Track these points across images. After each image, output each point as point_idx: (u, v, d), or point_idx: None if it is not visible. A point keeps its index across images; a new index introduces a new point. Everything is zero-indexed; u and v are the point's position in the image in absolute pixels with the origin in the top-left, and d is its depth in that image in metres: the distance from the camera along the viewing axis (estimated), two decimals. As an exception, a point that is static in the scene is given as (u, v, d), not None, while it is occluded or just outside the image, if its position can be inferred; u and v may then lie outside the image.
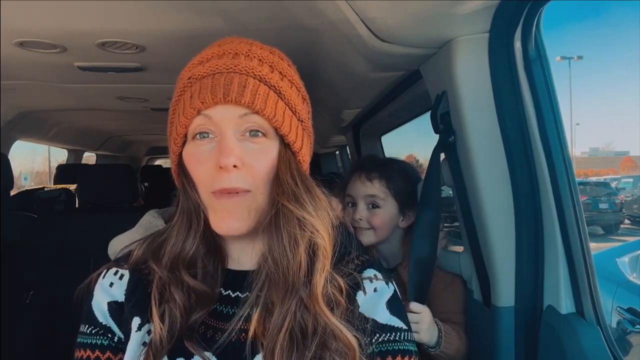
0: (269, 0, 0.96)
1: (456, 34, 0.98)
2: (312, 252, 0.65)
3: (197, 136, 0.66)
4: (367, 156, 1.38)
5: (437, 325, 1.10)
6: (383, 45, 1.04)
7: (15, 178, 2.27)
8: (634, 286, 3.12)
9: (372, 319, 0.69)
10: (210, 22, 1.07)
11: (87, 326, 0.72)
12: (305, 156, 0.71)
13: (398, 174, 1.31)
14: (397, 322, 0.70)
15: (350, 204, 1.30)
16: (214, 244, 0.72)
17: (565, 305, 0.95)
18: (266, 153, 0.66)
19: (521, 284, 1.02)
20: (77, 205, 2.66)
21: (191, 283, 0.67)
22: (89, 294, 0.74)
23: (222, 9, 1.02)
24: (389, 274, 0.76)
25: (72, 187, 3.03)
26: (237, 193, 0.64)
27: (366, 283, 0.72)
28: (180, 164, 0.70)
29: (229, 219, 0.65)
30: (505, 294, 1.03)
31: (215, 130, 0.65)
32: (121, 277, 0.74)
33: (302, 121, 0.71)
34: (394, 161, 1.38)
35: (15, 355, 1.75)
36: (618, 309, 2.82)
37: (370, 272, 0.74)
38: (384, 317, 0.70)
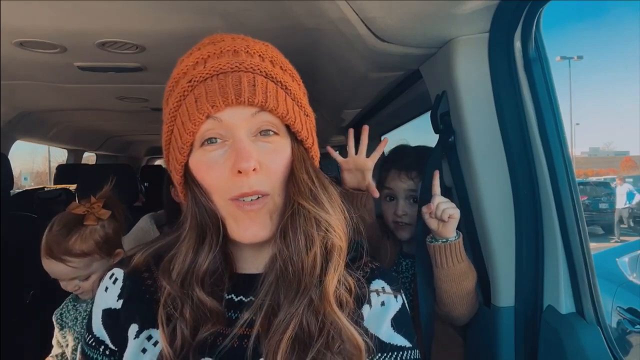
0: (269, 0, 0.96)
1: (456, 34, 0.98)
2: (326, 252, 0.63)
3: (206, 142, 0.62)
4: (400, 149, 1.37)
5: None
6: (383, 45, 1.04)
7: (15, 178, 2.27)
8: (634, 286, 3.12)
9: (375, 336, 0.66)
10: (210, 22, 1.07)
11: (87, 334, 0.72)
12: (316, 152, 0.69)
13: None
14: (400, 341, 0.67)
15: (388, 198, 1.31)
16: (224, 257, 0.69)
17: (565, 305, 0.95)
18: (281, 152, 0.64)
19: (521, 284, 1.02)
20: (77, 206, 2.65)
21: (204, 300, 0.64)
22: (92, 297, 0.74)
23: (222, 9, 1.02)
24: (398, 284, 0.73)
25: (72, 187, 3.02)
26: (258, 198, 0.62)
27: (373, 296, 0.69)
28: (186, 174, 0.65)
29: (253, 226, 0.63)
30: (505, 294, 1.03)
31: (225, 134, 0.61)
32: (115, 281, 0.72)
33: (308, 116, 0.68)
34: (425, 151, 1.35)
35: (15, 354, 1.75)
36: (618, 309, 2.82)
37: (378, 284, 0.70)
38: (388, 334, 0.67)
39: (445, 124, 1.09)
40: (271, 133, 0.63)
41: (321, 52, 1.29)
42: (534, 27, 0.90)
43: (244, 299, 0.68)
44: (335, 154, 1.24)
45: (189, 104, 0.62)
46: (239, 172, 0.59)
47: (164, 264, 0.68)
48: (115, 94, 2.00)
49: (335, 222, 0.64)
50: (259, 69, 0.62)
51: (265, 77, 0.63)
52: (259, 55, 0.65)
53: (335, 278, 0.63)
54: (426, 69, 1.19)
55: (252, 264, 0.70)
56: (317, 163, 0.70)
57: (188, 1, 0.97)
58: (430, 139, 1.22)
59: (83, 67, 1.49)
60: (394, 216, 1.27)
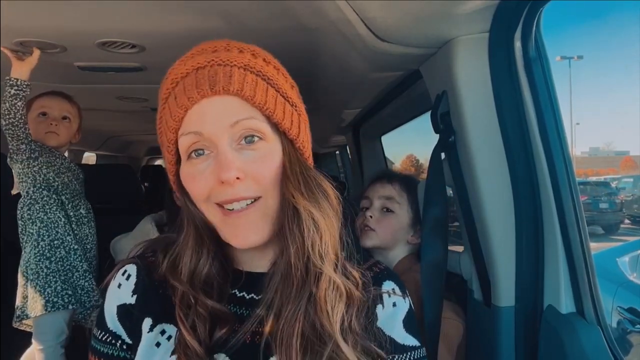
0: (270, 0, 0.96)
1: (456, 34, 0.98)
2: (321, 252, 0.63)
3: (192, 154, 0.62)
4: (384, 170, 1.37)
5: None
6: (383, 45, 1.04)
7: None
8: (634, 286, 3.12)
9: (391, 338, 0.69)
10: (210, 22, 1.07)
11: (98, 331, 0.72)
12: (304, 143, 0.67)
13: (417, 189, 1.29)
14: (412, 341, 0.71)
15: (365, 209, 1.29)
16: (227, 256, 0.70)
17: (566, 305, 0.95)
18: (268, 158, 0.63)
19: (521, 284, 1.02)
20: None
21: (209, 304, 0.65)
22: (103, 296, 0.74)
23: (222, 9, 1.02)
24: (405, 287, 0.76)
25: (72, 187, 3.01)
26: (249, 204, 0.62)
27: (385, 297, 0.71)
28: (179, 183, 0.67)
29: (244, 231, 0.63)
30: (506, 293, 1.03)
31: (209, 146, 0.61)
32: (128, 277, 0.72)
33: (295, 106, 0.67)
34: (412, 178, 1.36)
35: (15, 354, 1.76)
36: (618, 308, 2.82)
37: (388, 285, 0.73)
38: (401, 336, 0.70)
39: (445, 124, 1.09)
40: (255, 139, 0.62)
41: (321, 52, 1.29)
42: (534, 27, 0.90)
43: (255, 297, 0.69)
44: None
45: (171, 102, 0.63)
46: (223, 182, 0.60)
47: (169, 263, 0.69)
48: (115, 94, 2.00)
49: (326, 223, 0.63)
50: (236, 62, 0.63)
51: (244, 69, 0.62)
52: (238, 50, 0.65)
53: (328, 280, 0.63)
54: (426, 69, 1.19)
55: (259, 262, 0.71)
56: (307, 155, 0.68)
57: (188, 1, 0.97)
58: (430, 139, 1.22)
59: (83, 67, 1.49)
60: (366, 220, 1.25)
